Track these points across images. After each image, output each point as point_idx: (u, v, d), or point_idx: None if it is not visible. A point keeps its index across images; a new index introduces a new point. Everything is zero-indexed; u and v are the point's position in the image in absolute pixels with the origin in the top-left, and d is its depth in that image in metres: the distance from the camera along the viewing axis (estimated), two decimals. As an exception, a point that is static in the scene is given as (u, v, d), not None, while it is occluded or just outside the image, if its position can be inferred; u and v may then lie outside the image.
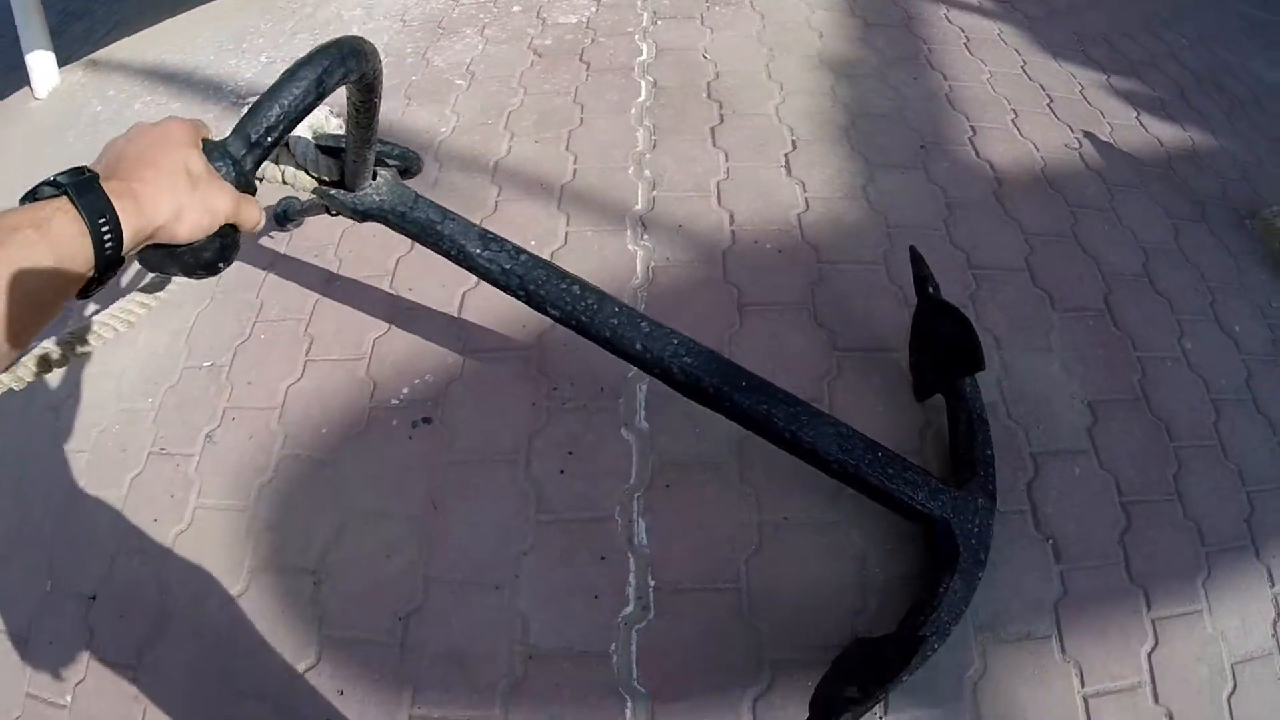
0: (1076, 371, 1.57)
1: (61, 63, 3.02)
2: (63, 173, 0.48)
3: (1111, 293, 1.70)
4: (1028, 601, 1.30)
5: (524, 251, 1.12)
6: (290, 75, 0.74)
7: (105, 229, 0.46)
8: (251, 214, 0.63)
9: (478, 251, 1.10)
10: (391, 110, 2.01)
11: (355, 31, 2.36)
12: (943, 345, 1.33)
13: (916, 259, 1.41)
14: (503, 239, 1.13)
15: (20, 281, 0.40)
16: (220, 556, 1.30)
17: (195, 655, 1.22)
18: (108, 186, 0.48)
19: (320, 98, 0.78)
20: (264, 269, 1.72)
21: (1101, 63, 2.50)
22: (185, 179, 0.54)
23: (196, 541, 1.32)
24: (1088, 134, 2.13)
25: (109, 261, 0.47)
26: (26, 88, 2.98)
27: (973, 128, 2.05)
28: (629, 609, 1.20)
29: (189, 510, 1.35)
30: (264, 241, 1.76)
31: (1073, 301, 1.67)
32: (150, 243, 0.53)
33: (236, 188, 0.64)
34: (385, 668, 1.17)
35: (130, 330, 0.90)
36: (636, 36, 2.25)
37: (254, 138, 0.70)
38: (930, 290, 1.36)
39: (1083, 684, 1.23)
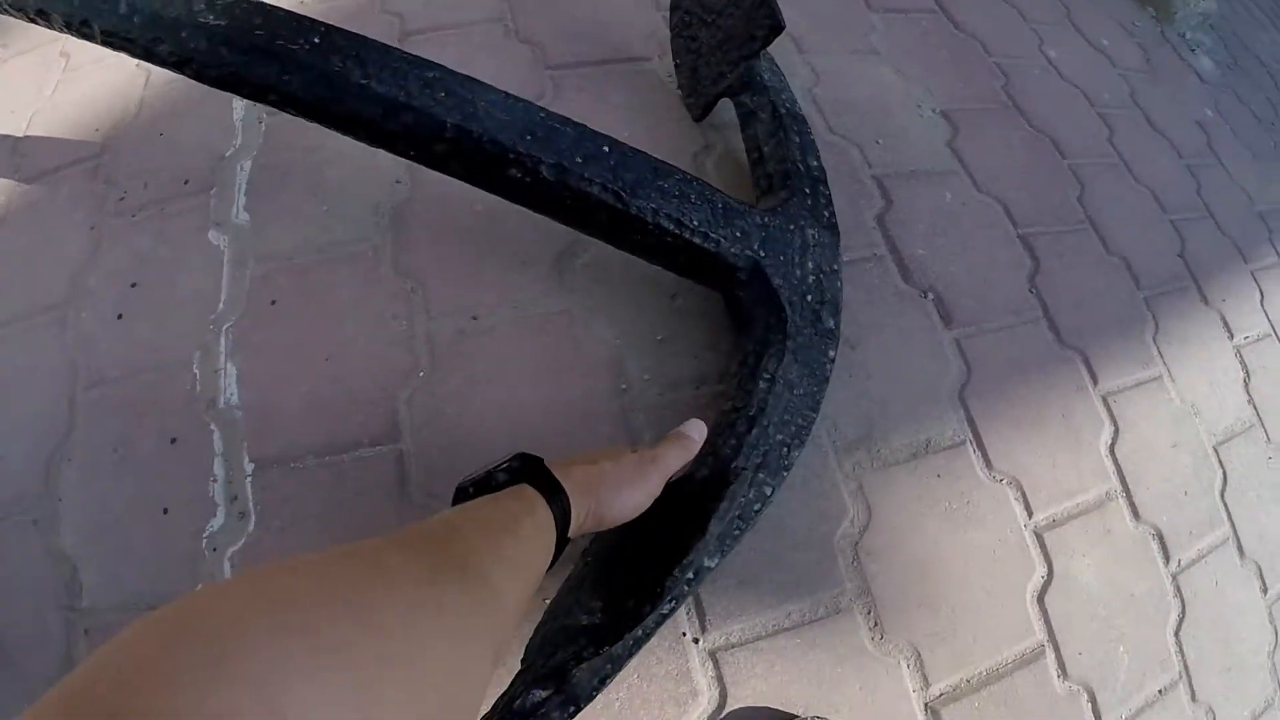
0: (916, 76, 1.14)
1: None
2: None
3: (944, -5, 1.27)
4: (916, 393, 0.82)
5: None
6: None
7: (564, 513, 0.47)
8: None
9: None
10: None
11: None
12: (720, 25, 0.83)
13: None
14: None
15: (536, 568, 0.43)
16: None
17: None
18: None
19: None
20: None
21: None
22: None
23: None
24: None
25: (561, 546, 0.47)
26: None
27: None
28: (215, 521, 0.68)
29: None
30: None
31: (894, 3, 1.25)
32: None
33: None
34: None
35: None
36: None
37: None
38: None
39: (1030, 515, 0.81)
